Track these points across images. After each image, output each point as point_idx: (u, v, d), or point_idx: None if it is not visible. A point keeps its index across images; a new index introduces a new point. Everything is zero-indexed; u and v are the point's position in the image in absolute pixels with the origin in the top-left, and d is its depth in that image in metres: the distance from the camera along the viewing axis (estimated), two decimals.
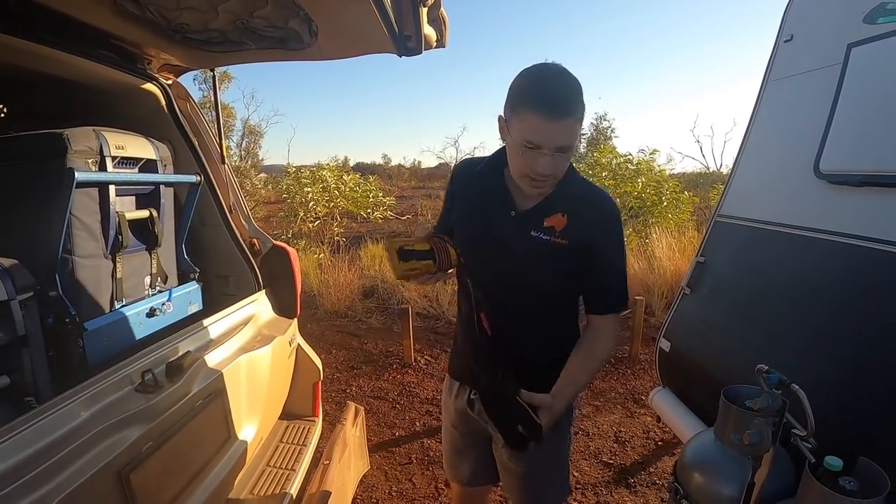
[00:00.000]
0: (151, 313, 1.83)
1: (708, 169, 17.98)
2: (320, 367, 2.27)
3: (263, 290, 2.14)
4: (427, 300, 5.82)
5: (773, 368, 1.23)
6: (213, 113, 2.16)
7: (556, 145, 1.10)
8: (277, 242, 2.19)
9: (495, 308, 1.31)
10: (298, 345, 2.21)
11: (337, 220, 8.42)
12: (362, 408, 2.44)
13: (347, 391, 4.04)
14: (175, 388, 1.44)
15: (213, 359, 1.67)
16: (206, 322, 1.79)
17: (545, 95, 1.08)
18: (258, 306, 2.06)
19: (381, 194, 8.64)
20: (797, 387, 1.19)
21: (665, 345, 2.49)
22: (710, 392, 1.45)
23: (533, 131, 1.09)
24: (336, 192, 7.81)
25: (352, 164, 26.65)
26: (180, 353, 1.55)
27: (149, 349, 1.50)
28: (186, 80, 3.70)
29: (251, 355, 1.79)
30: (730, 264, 2.28)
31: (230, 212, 2.14)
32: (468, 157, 1.98)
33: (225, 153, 2.14)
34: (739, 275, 2.19)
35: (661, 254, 6.34)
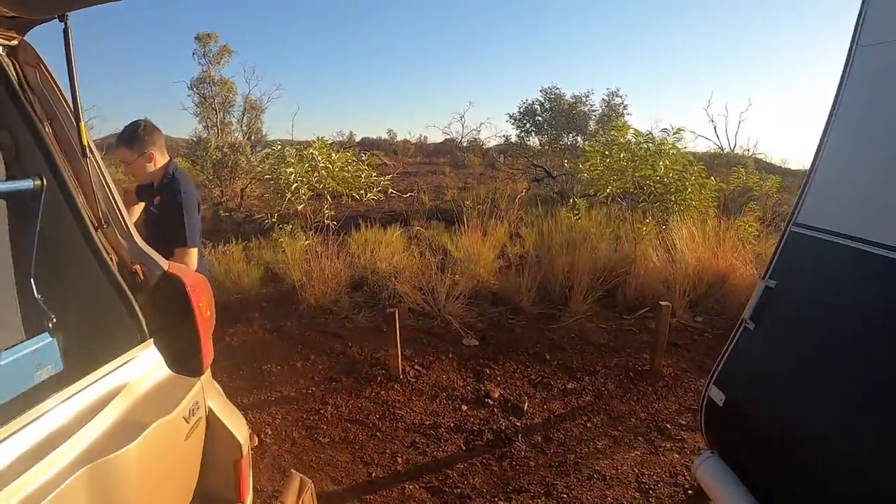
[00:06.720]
0: None
1: (722, 150, 17.12)
2: (244, 439, 1.63)
3: (150, 340, 1.48)
4: (422, 293, 5.17)
5: None
6: (71, 81, 1.45)
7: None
8: (170, 268, 1.52)
9: None
10: (210, 411, 1.57)
11: (328, 201, 7.74)
12: (310, 482, 1.82)
13: (322, 411, 3.45)
14: None
15: (32, 480, 1.03)
16: (40, 407, 1.15)
17: None
18: (137, 367, 1.39)
19: (374, 174, 7.88)
20: None
21: (717, 395, 1.88)
22: (781, 465, 1.22)
23: None
24: (324, 172, 7.09)
25: (357, 139, 25.84)
26: None
27: None
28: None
29: (101, 465, 1.15)
30: (813, 292, 1.75)
31: (97, 228, 1.48)
32: None
33: (87, 141, 1.46)
34: (827, 306, 1.66)
35: (682, 244, 5.66)
